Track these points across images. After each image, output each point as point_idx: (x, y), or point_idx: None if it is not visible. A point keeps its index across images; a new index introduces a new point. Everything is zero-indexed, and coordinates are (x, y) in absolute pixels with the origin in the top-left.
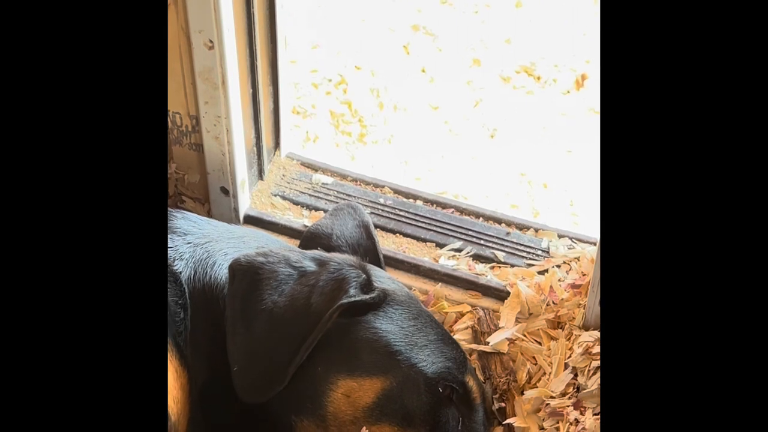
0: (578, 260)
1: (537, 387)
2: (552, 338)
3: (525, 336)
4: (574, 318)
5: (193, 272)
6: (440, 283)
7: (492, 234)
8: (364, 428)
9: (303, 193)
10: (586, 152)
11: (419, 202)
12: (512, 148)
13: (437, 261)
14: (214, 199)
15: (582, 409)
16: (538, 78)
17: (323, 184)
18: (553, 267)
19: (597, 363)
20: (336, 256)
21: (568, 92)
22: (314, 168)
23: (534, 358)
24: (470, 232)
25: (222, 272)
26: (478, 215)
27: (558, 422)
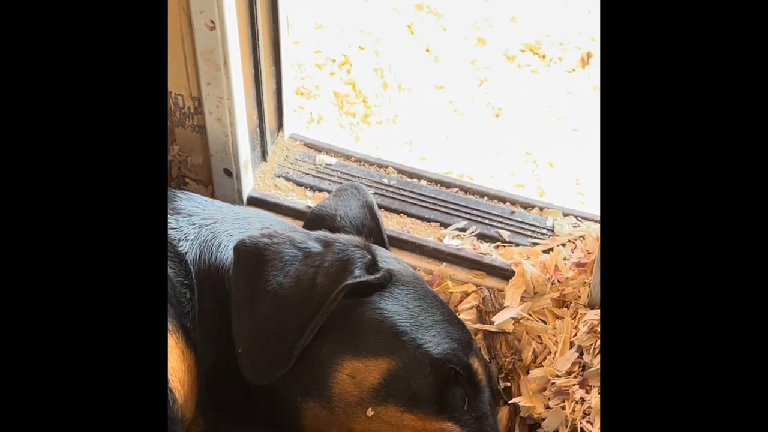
0: (583, 239)
1: (542, 366)
2: (557, 317)
3: (530, 315)
4: (579, 296)
5: (198, 253)
6: (445, 263)
7: (496, 213)
8: (370, 409)
9: (306, 174)
10: (592, 131)
11: (423, 182)
12: (517, 127)
13: (441, 241)
14: (217, 180)
15: (588, 387)
16: (543, 56)
17: (327, 164)
18: (558, 246)
19: None
20: (341, 237)
21: (574, 70)
22: (318, 148)
23: (539, 337)
24: (474, 212)
25: (227, 253)
26: (482, 194)
27: (564, 401)
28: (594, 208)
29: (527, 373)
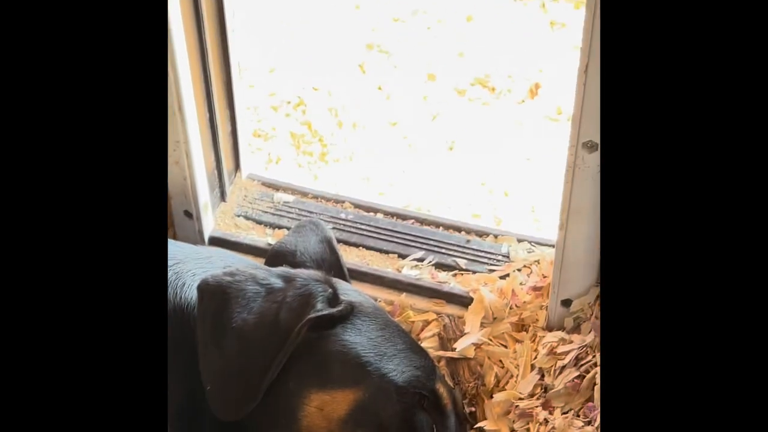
0: (538, 263)
1: (505, 390)
2: (517, 341)
3: (491, 340)
4: (537, 320)
5: None
6: (404, 293)
7: (452, 242)
8: None
9: (265, 212)
10: (544, 159)
11: (380, 215)
12: (471, 158)
13: (400, 271)
14: (178, 222)
15: (551, 408)
16: (493, 89)
17: (285, 202)
18: (514, 271)
19: (562, 362)
20: (302, 272)
21: (523, 101)
22: (275, 187)
23: (501, 361)
24: (431, 242)
25: (191, 293)
26: (438, 224)
27: (528, 423)
28: (548, 233)
29: (491, 397)
